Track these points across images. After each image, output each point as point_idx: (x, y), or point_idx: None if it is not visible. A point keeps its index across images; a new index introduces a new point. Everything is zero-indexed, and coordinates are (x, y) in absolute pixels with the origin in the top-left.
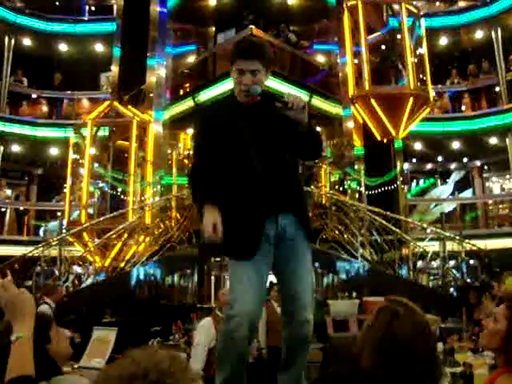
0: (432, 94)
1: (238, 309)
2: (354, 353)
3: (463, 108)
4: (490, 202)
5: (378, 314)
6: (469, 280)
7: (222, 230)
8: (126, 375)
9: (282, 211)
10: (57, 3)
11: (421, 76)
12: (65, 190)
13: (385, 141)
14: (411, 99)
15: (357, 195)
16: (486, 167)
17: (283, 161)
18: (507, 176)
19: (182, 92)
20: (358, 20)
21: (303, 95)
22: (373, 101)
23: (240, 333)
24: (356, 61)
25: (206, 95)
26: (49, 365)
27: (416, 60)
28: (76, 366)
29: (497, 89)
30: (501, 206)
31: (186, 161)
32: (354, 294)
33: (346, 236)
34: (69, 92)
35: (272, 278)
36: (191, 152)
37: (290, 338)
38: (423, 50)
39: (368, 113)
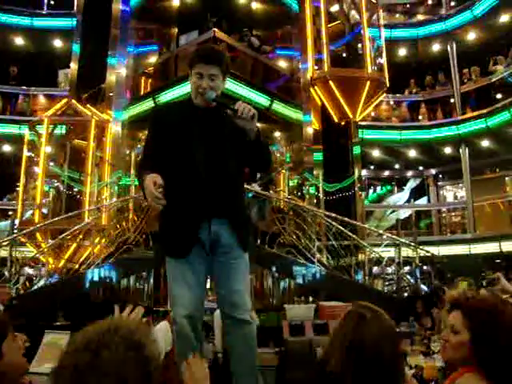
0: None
1: (177, 311)
2: (320, 357)
3: (420, 117)
4: (444, 209)
5: (346, 318)
6: (422, 286)
7: (162, 224)
8: (101, 330)
9: (216, 217)
10: None
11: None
12: (17, 189)
13: (342, 123)
14: (368, 83)
15: (315, 201)
16: (440, 176)
17: (226, 167)
18: (460, 184)
19: (142, 92)
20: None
21: (252, 108)
22: (331, 83)
23: (184, 332)
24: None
25: (166, 96)
26: None
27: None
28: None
29: (452, 100)
30: (453, 214)
31: None
32: (311, 299)
33: (303, 241)
34: (24, 87)
35: None
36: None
37: (231, 339)
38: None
39: (327, 95)
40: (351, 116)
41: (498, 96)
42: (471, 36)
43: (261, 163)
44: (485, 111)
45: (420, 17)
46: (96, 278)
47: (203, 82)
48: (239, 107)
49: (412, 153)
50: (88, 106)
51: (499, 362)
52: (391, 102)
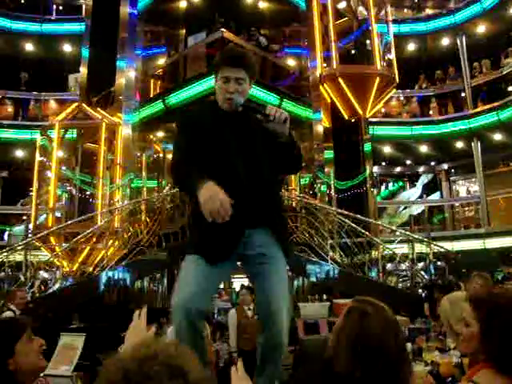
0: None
1: (174, 304)
2: (327, 355)
3: (431, 112)
4: (457, 204)
5: (348, 315)
6: (438, 281)
7: (195, 233)
8: (137, 357)
9: (255, 224)
10: (22, 1)
11: (386, 57)
12: (31, 194)
13: (352, 120)
14: (377, 79)
15: (327, 198)
16: (452, 170)
17: (263, 174)
18: (473, 179)
19: (151, 94)
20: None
21: (284, 111)
22: (340, 80)
23: (183, 326)
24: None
25: (176, 98)
26: (6, 382)
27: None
28: (42, 375)
29: (462, 94)
30: (467, 209)
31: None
32: (325, 297)
33: (316, 239)
34: (35, 93)
35: (241, 281)
36: (170, 153)
37: (264, 344)
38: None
39: (336, 92)
40: (361, 113)
41: (510, 89)
42: (481, 29)
43: (293, 164)
44: (496, 104)
45: (428, 11)
46: (110, 281)
47: (230, 86)
48: (271, 111)
49: (423, 148)
50: (98, 109)
51: (509, 354)
52: (401, 98)
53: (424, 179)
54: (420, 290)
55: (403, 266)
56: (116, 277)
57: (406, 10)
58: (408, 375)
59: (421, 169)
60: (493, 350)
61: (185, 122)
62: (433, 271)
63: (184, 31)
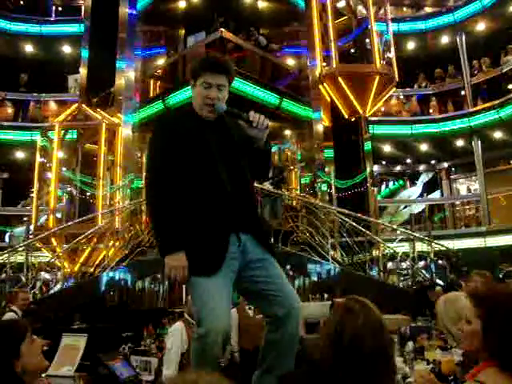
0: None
1: (211, 326)
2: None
3: (431, 111)
4: (458, 202)
5: (335, 311)
6: (438, 280)
7: (188, 243)
8: None
9: (244, 229)
10: (21, 2)
11: (386, 56)
12: (31, 195)
13: (352, 119)
14: (377, 78)
15: (327, 197)
16: (453, 169)
17: (246, 179)
18: (473, 177)
19: (151, 95)
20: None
21: (265, 118)
22: (340, 79)
23: (214, 351)
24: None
25: (175, 98)
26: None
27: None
28: (44, 375)
29: (462, 92)
30: (467, 207)
31: None
32: (326, 296)
33: (316, 238)
34: (35, 94)
35: None
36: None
37: (283, 338)
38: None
39: (335, 91)
40: (361, 112)
41: (510, 86)
42: (480, 27)
43: (263, 170)
44: (497, 102)
45: (428, 9)
46: (111, 281)
47: (211, 92)
48: (254, 118)
49: (424, 147)
50: (98, 110)
51: (510, 351)
52: (401, 97)
53: (424, 178)
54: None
55: (404, 265)
56: (117, 277)
57: (405, 9)
58: (388, 373)
59: (421, 167)
60: (494, 347)
61: (163, 128)
62: (434, 270)
63: (183, 31)
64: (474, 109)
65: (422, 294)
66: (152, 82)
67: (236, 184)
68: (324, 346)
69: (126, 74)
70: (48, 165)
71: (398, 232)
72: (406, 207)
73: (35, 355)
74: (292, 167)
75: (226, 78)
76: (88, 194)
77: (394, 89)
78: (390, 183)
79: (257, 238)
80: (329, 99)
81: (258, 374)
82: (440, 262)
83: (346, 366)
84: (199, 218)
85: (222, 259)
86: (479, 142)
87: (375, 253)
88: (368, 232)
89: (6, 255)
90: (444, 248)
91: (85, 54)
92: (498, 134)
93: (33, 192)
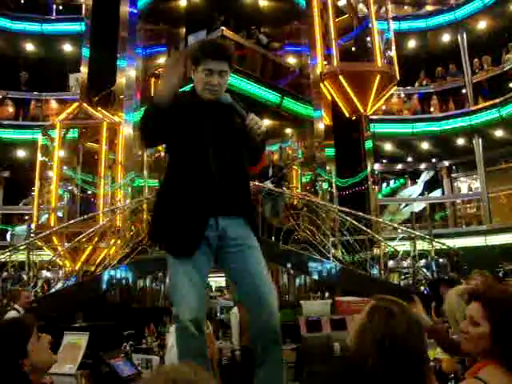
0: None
1: (183, 313)
2: (349, 353)
3: (432, 109)
4: (459, 201)
5: (373, 314)
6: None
7: (164, 220)
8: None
9: (226, 213)
10: (22, 1)
11: (387, 54)
12: (33, 193)
13: (353, 118)
14: (378, 76)
15: (328, 196)
16: (454, 167)
17: (237, 163)
18: (474, 176)
19: (152, 93)
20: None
21: (262, 126)
22: (341, 77)
23: (188, 332)
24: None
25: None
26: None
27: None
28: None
29: (463, 91)
30: (468, 206)
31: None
32: (327, 294)
33: (317, 236)
34: (36, 93)
35: None
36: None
37: (259, 332)
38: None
39: (337, 90)
40: (362, 110)
41: (511, 85)
42: (482, 25)
43: (251, 161)
44: (498, 101)
45: (429, 7)
46: (112, 280)
47: (213, 78)
48: (250, 123)
49: (424, 145)
50: (99, 108)
51: None
52: (402, 95)
53: (425, 176)
54: (422, 288)
55: (405, 264)
56: (118, 276)
57: (406, 7)
58: (428, 375)
59: (422, 166)
60: (505, 350)
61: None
62: (435, 268)
63: (184, 30)
64: (475, 107)
65: (434, 287)
66: (153, 80)
67: (225, 167)
68: (366, 350)
69: (127, 72)
70: (49, 163)
71: (399, 230)
72: (406, 206)
73: (44, 351)
74: (293, 166)
75: (228, 63)
76: (89, 192)
77: (395, 87)
78: (391, 182)
79: (240, 223)
80: (330, 98)
81: (256, 372)
82: (441, 260)
83: (398, 367)
84: (180, 196)
85: (195, 244)
86: (480, 140)
87: (376, 251)
88: (369, 230)
89: (8, 254)
90: (445, 246)
91: (86, 52)
92: (498, 133)
93: (34, 191)
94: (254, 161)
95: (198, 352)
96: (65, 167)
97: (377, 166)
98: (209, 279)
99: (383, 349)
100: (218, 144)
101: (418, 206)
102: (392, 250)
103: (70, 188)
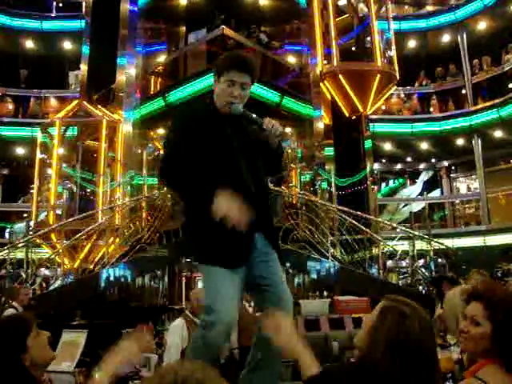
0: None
1: (220, 317)
2: (360, 353)
3: (431, 109)
4: (457, 201)
5: (386, 315)
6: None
7: (209, 238)
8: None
9: (260, 227)
10: None
11: (387, 54)
12: (31, 191)
13: (353, 117)
14: (378, 76)
15: (327, 195)
16: (453, 167)
17: (263, 178)
18: (473, 176)
19: (152, 91)
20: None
21: (280, 127)
22: (341, 77)
23: (219, 340)
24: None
25: (176, 95)
26: (23, 378)
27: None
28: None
29: (463, 91)
30: (467, 206)
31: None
32: (325, 294)
33: (316, 236)
34: (36, 90)
35: None
36: (161, 150)
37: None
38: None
39: (336, 89)
40: (362, 110)
41: (511, 85)
42: (482, 25)
43: (273, 170)
44: (497, 101)
45: (429, 8)
46: (111, 278)
47: (235, 90)
48: (268, 126)
49: (424, 145)
50: (99, 106)
51: None
52: (402, 95)
53: (424, 176)
54: (421, 287)
55: (404, 263)
56: (117, 274)
57: (406, 7)
58: (439, 374)
59: (421, 166)
60: (506, 351)
61: (184, 116)
62: (433, 268)
63: (184, 28)
64: (475, 108)
65: (437, 284)
66: (153, 78)
67: (255, 179)
68: (379, 351)
69: (127, 70)
70: (48, 161)
71: (398, 230)
72: (405, 205)
73: (42, 347)
74: (292, 165)
75: (250, 76)
76: (88, 190)
77: (395, 87)
78: (390, 181)
79: (265, 235)
80: (329, 97)
81: (245, 373)
82: (439, 260)
83: (411, 368)
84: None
85: (245, 258)
86: (479, 140)
87: (375, 251)
88: (368, 230)
89: (6, 251)
90: (443, 246)
91: (85, 50)
92: (498, 133)
93: (33, 188)
94: (276, 168)
95: (214, 362)
96: (64, 165)
97: (376, 166)
98: None
99: (396, 350)
100: (247, 156)
101: (417, 206)
102: (391, 249)
103: (68, 186)
